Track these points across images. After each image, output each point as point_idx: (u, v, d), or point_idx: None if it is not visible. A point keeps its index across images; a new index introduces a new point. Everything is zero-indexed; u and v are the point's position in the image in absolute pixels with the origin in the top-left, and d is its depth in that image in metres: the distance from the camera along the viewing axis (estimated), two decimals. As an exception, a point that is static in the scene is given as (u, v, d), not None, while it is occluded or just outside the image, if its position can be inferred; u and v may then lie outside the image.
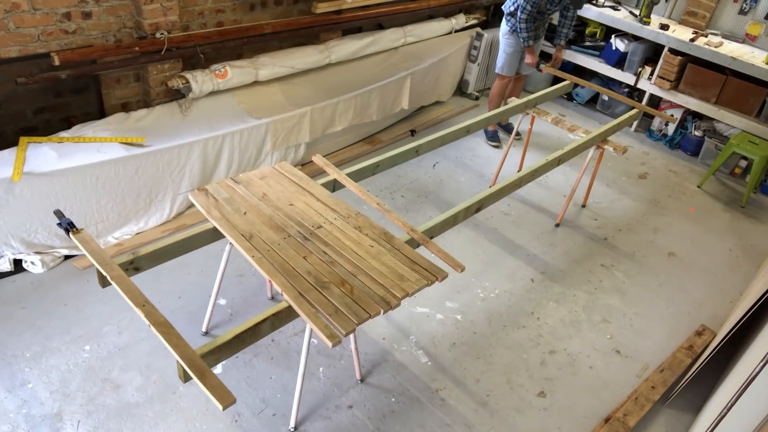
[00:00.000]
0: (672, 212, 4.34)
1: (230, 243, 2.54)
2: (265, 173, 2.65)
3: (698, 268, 3.79)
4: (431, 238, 2.54)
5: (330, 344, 1.84)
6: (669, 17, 5.41)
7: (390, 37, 4.68)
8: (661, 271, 3.71)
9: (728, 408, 2.17)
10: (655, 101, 5.33)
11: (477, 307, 3.20)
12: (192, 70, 3.53)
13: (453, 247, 3.52)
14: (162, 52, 3.31)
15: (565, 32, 4.54)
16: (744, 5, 4.97)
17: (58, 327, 2.74)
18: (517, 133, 4.55)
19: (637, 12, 5.25)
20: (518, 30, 4.24)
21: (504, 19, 4.45)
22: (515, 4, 4.25)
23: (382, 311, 1.99)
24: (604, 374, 2.93)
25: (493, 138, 4.82)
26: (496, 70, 4.65)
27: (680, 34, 5.00)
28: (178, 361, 1.81)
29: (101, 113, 3.39)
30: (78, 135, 3.12)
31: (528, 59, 4.45)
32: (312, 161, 2.90)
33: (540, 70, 4.51)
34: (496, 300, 3.27)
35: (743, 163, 4.89)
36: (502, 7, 4.41)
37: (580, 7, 4.29)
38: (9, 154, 2.89)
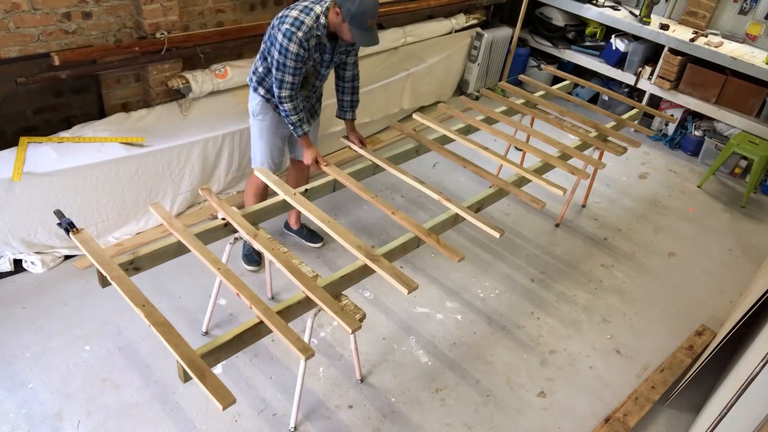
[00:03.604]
0: (672, 212, 4.34)
1: (230, 243, 2.54)
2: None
3: (698, 268, 3.79)
4: (431, 238, 2.54)
5: (303, 357, 1.89)
6: (669, 17, 5.41)
7: (390, 37, 4.68)
8: (661, 271, 3.71)
9: (728, 408, 2.17)
10: (655, 101, 5.33)
11: (477, 307, 3.20)
12: (192, 70, 3.53)
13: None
14: (162, 52, 3.30)
15: (349, 100, 3.07)
16: (744, 5, 4.97)
17: (58, 327, 2.74)
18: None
19: (637, 12, 5.25)
20: (283, 114, 2.76)
21: (251, 92, 2.93)
22: (263, 69, 2.82)
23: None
24: (604, 374, 2.93)
25: (249, 259, 3.25)
26: (253, 165, 3.14)
27: (680, 34, 5.00)
28: (178, 361, 1.81)
29: (101, 113, 3.39)
30: (78, 135, 3.12)
31: (306, 156, 2.92)
32: (312, 161, 2.90)
33: (540, 69, 4.50)
34: (496, 300, 3.27)
35: (743, 163, 4.89)
36: (248, 78, 2.95)
37: (372, 43, 2.66)
38: (9, 154, 2.89)
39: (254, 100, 2.92)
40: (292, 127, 2.82)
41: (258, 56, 2.84)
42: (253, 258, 3.24)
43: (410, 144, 3.21)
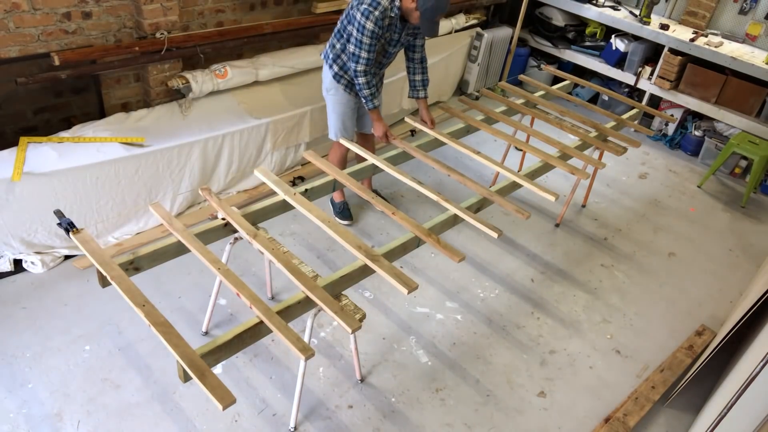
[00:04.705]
0: (672, 212, 4.34)
1: (230, 243, 2.54)
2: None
3: (698, 268, 3.79)
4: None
5: (303, 357, 1.89)
6: (669, 17, 5.41)
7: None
8: (661, 271, 3.71)
9: (728, 408, 2.17)
10: (655, 101, 5.33)
11: (477, 307, 3.20)
12: (192, 70, 3.53)
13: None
14: (162, 52, 3.30)
15: (420, 79, 3.34)
16: (744, 5, 4.97)
17: (58, 327, 2.74)
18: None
19: (637, 12, 5.25)
20: (357, 87, 3.08)
21: (325, 66, 3.24)
22: (340, 46, 3.11)
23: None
24: (604, 374, 2.93)
25: (342, 213, 3.62)
26: (330, 136, 3.44)
27: (680, 34, 5.00)
28: (178, 361, 1.81)
29: (101, 113, 3.39)
30: (78, 135, 3.12)
31: (377, 129, 3.23)
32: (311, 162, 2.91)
33: (540, 69, 4.50)
34: (496, 300, 3.27)
35: (743, 163, 4.89)
36: (321, 54, 3.29)
37: (433, 34, 3.03)
38: (9, 154, 2.89)
39: (327, 76, 3.22)
40: (364, 101, 3.12)
41: (334, 34, 3.14)
42: (347, 214, 3.61)
43: (410, 143, 3.21)
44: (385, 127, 3.23)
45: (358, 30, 2.89)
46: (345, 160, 3.50)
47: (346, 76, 3.18)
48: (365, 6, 2.84)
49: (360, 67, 2.99)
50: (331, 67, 3.18)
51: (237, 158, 3.60)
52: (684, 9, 5.26)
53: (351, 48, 2.97)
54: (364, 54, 2.95)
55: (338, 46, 3.12)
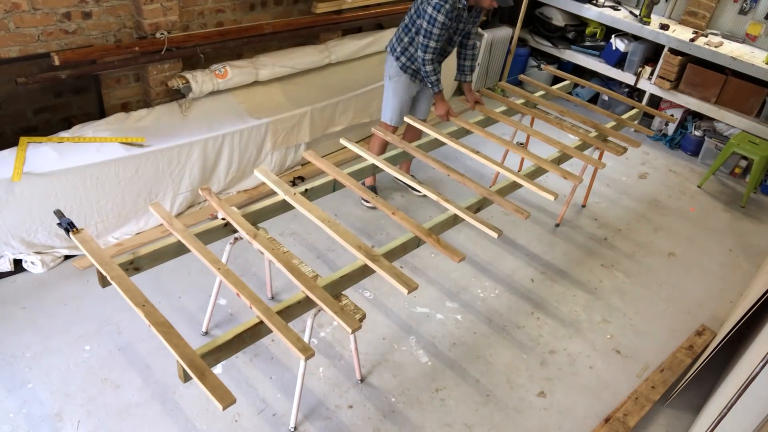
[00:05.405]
0: (672, 212, 4.34)
1: (230, 243, 2.54)
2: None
3: (698, 268, 3.79)
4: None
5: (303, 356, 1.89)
6: (669, 17, 5.41)
7: (390, 37, 4.67)
8: (661, 271, 3.71)
9: (728, 408, 2.17)
10: (655, 101, 5.33)
11: (477, 307, 3.20)
12: (192, 70, 3.53)
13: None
14: (162, 52, 3.31)
15: (469, 64, 3.61)
16: (744, 5, 4.97)
17: (58, 327, 2.74)
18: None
19: (637, 12, 5.25)
20: (425, 74, 3.30)
21: (390, 57, 3.48)
22: (408, 39, 3.34)
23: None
24: (604, 374, 2.93)
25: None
26: (382, 119, 3.66)
27: (680, 33, 5.00)
28: (178, 361, 1.81)
29: (101, 113, 3.39)
30: (78, 135, 3.12)
31: (440, 109, 3.48)
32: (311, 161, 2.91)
33: (540, 69, 4.49)
34: (496, 300, 3.27)
35: (743, 163, 4.90)
36: (387, 47, 3.52)
37: (508, 3, 3.21)
38: (9, 154, 2.89)
39: (393, 66, 3.45)
40: (431, 86, 3.35)
41: (401, 29, 3.37)
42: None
43: (410, 143, 3.21)
44: (447, 106, 3.48)
45: (429, 23, 3.11)
46: (385, 147, 3.72)
47: (413, 66, 3.42)
48: (436, 0, 3.05)
49: (428, 56, 3.21)
50: (398, 59, 3.41)
51: (237, 158, 3.60)
52: (684, 9, 5.26)
53: (420, 39, 3.19)
54: (432, 44, 3.17)
55: (406, 39, 3.34)
